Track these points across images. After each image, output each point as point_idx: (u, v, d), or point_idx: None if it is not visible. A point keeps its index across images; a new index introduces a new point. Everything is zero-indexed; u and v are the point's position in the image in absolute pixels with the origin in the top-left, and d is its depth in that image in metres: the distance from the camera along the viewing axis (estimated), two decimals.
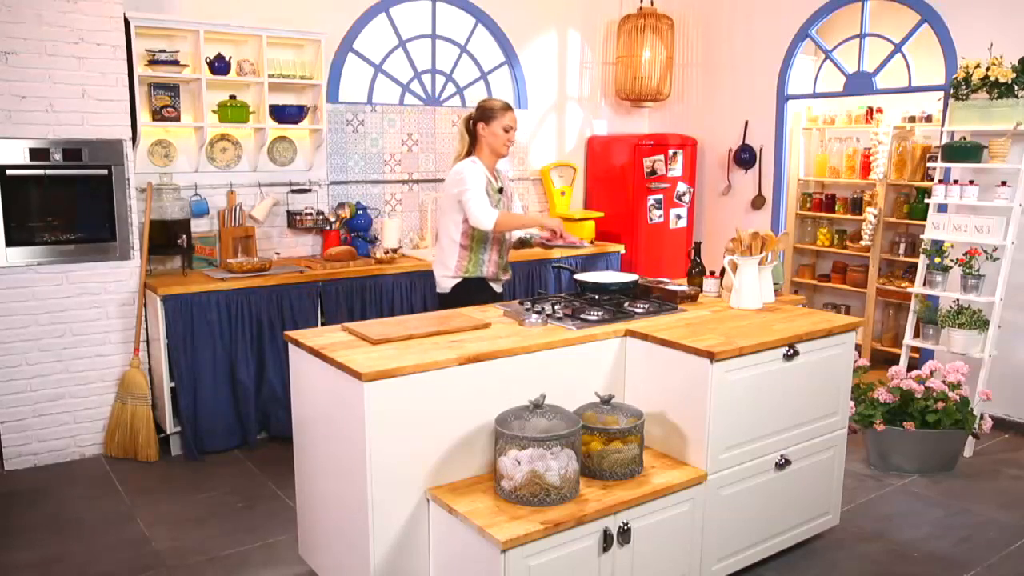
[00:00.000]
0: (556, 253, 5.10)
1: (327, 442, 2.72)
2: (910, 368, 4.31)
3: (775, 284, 3.55)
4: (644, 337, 2.94)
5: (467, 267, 3.63)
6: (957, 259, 4.42)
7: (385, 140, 5.24)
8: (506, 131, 3.60)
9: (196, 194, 4.57)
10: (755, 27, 5.96)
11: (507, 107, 3.62)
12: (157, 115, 4.34)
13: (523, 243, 3.90)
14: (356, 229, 5.01)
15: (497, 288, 3.75)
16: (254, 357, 4.27)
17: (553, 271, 5.23)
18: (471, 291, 3.63)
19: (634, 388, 3.01)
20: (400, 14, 5.24)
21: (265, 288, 4.24)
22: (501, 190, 3.70)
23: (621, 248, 5.73)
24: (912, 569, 3.16)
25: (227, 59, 4.45)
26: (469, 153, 3.66)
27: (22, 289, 3.94)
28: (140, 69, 4.18)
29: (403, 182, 5.34)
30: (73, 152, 3.98)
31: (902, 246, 5.73)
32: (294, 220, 4.85)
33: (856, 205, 5.97)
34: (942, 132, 4.74)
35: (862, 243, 5.82)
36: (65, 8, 3.87)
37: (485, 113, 3.60)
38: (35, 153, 3.90)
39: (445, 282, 3.67)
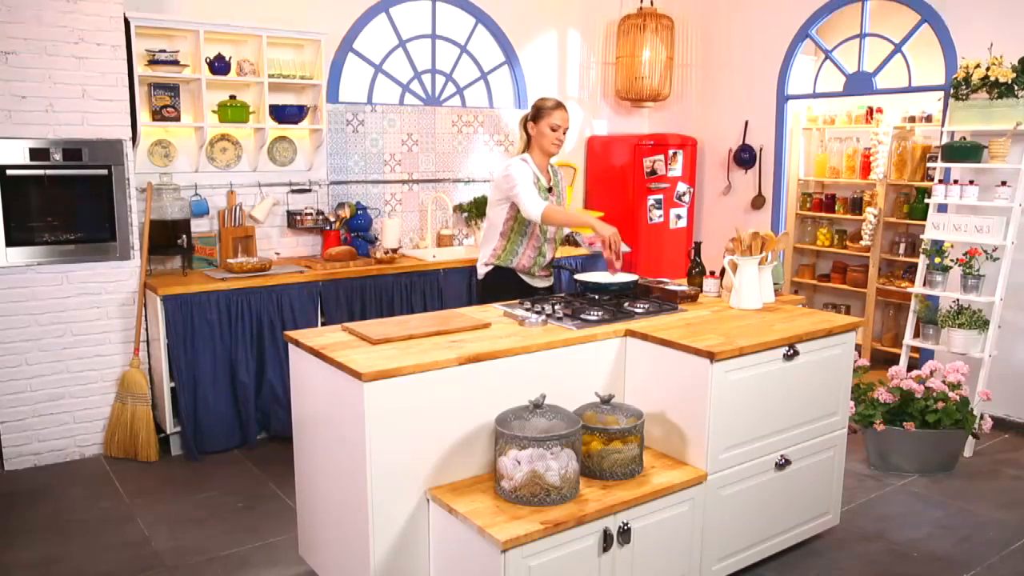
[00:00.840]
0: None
1: (327, 442, 2.72)
2: (910, 368, 4.31)
3: (775, 284, 3.55)
4: (644, 337, 2.94)
5: (500, 255, 3.68)
6: (957, 259, 4.42)
7: (385, 140, 5.24)
8: (554, 130, 3.60)
9: (196, 194, 4.57)
10: (755, 27, 5.96)
11: (558, 105, 3.62)
12: (157, 115, 4.35)
13: (568, 239, 3.90)
14: (356, 229, 5.01)
15: (535, 283, 3.78)
16: (254, 357, 4.27)
17: (553, 271, 5.22)
18: (502, 280, 3.69)
19: (634, 388, 3.01)
20: (400, 14, 5.24)
21: (265, 288, 4.24)
22: (550, 189, 3.73)
23: None
24: (912, 569, 3.16)
25: (227, 59, 4.45)
26: (525, 151, 3.70)
27: (22, 289, 3.94)
28: (140, 69, 4.18)
29: (403, 182, 5.34)
30: (73, 152, 3.98)
31: (902, 246, 5.73)
32: (294, 220, 4.86)
33: (856, 205, 5.97)
34: (942, 132, 4.74)
35: (862, 243, 5.82)
36: (65, 8, 3.87)
37: (536, 111, 3.63)
38: (35, 153, 3.90)
39: (480, 270, 3.77)
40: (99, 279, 4.12)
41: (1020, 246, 4.39)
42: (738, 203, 6.25)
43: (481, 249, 3.80)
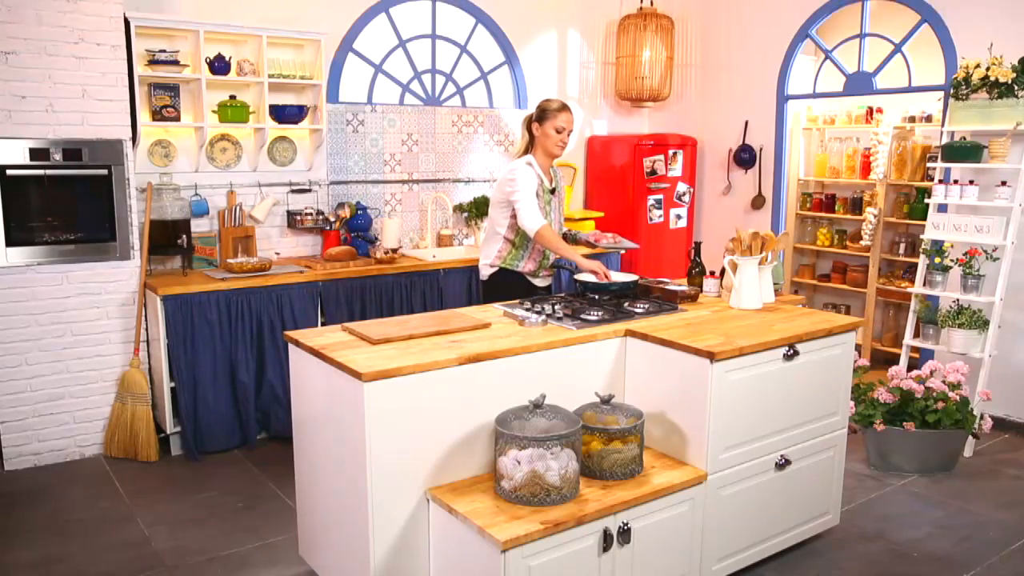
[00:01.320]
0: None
1: (327, 442, 2.72)
2: (910, 368, 4.31)
3: (775, 284, 3.55)
4: (644, 337, 2.94)
5: (505, 258, 3.71)
6: (957, 259, 4.42)
7: (385, 140, 5.24)
8: (558, 132, 3.62)
9: (196, 194, 4.57)
10: (755, 27, 5.96)
11: (563, 108, 3.64)
12: (157, 115, 4.35)
13: (567, 238, 3.93)
14: (356, 229, 5.01)
15: (537, 282, 3.81)
16: (254, 357, 4.26)
17: (553, 271, 5.22)
18: (507, 281, 3.71)
19: (634, 388, 3.01)
20: (400, 14, 5.24)
21: (265, 288, 4.24)
22: (553, 191, 3.76)
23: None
24: (912, 569, 3.16)
25: (227, 59, 4.45)
26: (527, 151, 3.71)
27: (22, 289, 3.94)
28: (140, 69, 4.18)
29: (403, 182, 5.34)
30: (73, 152, 3.98)
31: (902, 246, 5.73)
32: (294, 220, 4.86)
33: (856, 205, 5.97)
34: (942, 132, 4.74)
35: (862, 243, 5.82)
36: (65, 8, 3.87)
37: (541, 112, 3.65)
38: (35, 153, 3.90)
39: (484, 270, 3.79)
40: (99, 279, 4.12)
41: (1020, 246, 4.39)
42: (738, 203, 6.25)
43: (483, 248, 3.81)
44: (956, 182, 4.58)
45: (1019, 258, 4.42)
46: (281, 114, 4.64)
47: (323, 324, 4.41)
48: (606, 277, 3.47)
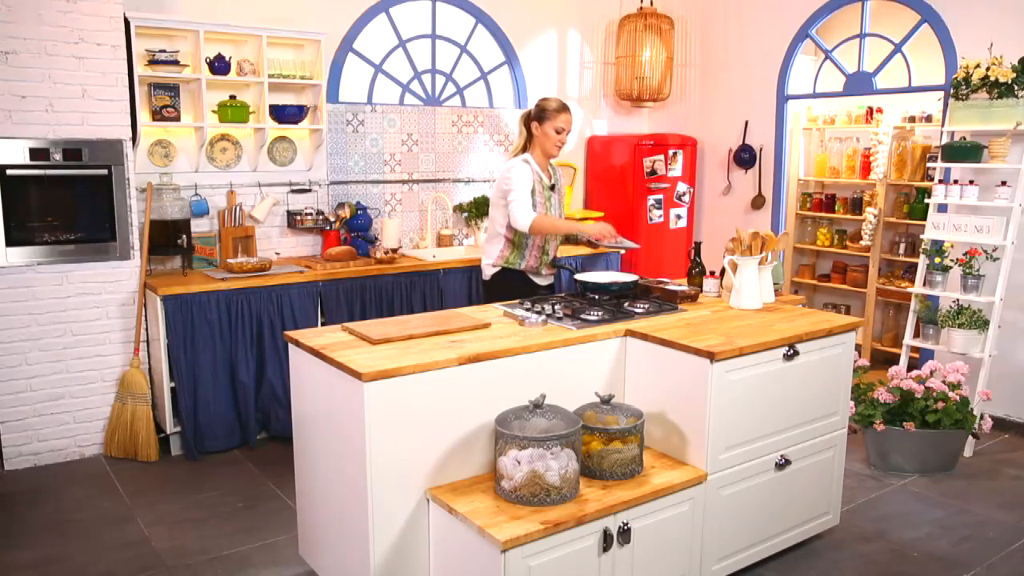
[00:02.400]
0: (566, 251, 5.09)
1: (327, 442, 2.72)
2: (910, 368, 4.31)
3: (775, 284, 3.55)
4: (644, 337, 2.94)
5: (508, 258, 3.72)
6: (957, 259, 4.42)
7: (385, 140, 5.24)
8: (558, 132, 3.63)
9: (196, 194, 4.57)
10: (755, 27, 5.97)
11: (563, 108, 3.65)
12: (157, 115, 4.34)
13: (570, 239, 3.94)
14: (356, 229, 5.01)
15: (539, 281, 3.82)
16: (254, 357, 4.26)
17: (555, 269, 5.22)
18: (510, 281, 3.72)
19: (634, 388, 3.01)
20: (400, 14, 5.24)
21: (265, 288, 4.24)
22: (553, 187, 3.77)
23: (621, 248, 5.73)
24: (912, 569, 3.16)
25: (227, 59, 4.45)
26: (525, 149, 3.72)
27: (22, 289, 3.94)
28: (140, 69, 4.18)
29: (403, 182, 5.34)
30: (73, 152, 3.98)
31: (902, 246, 5.73)
32: (294, 220, 4.86)
33: (856, 205, 5.97)
34: (942, 132, 4.74)
35: (862, 243, 5.82)
36: (65, 8, 3.87)
37: (540, 112, 3.66)
38: (35, 153, 3.90)
39: (487, 270, 3.79)
40: (99, 279, 4.12)
41: (1020, 246, 4.39)
42: (738, 203, 6.25)
43: (485, 248, 3.82)
44: (956, 182, 4.58)
45: (1019, 258, 4.42)
46: (281, 114, 4.64)
47: (323, 324, 4.41)
48: (613, 238, 3.44)
